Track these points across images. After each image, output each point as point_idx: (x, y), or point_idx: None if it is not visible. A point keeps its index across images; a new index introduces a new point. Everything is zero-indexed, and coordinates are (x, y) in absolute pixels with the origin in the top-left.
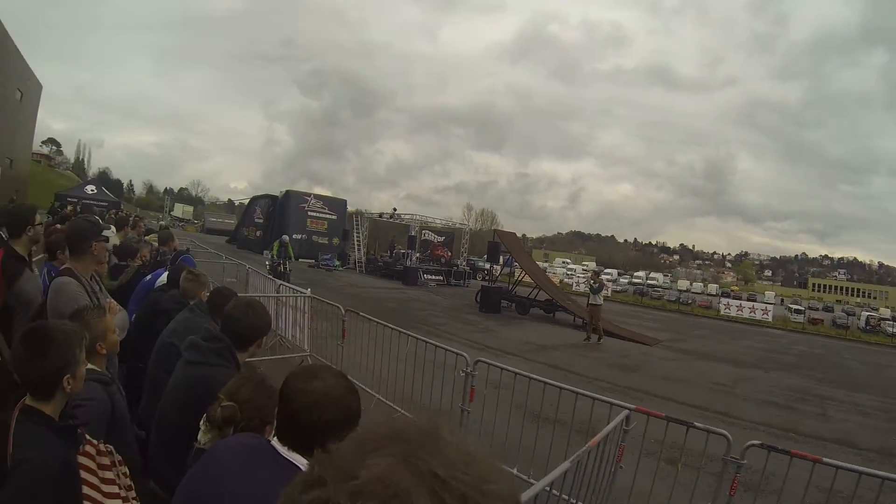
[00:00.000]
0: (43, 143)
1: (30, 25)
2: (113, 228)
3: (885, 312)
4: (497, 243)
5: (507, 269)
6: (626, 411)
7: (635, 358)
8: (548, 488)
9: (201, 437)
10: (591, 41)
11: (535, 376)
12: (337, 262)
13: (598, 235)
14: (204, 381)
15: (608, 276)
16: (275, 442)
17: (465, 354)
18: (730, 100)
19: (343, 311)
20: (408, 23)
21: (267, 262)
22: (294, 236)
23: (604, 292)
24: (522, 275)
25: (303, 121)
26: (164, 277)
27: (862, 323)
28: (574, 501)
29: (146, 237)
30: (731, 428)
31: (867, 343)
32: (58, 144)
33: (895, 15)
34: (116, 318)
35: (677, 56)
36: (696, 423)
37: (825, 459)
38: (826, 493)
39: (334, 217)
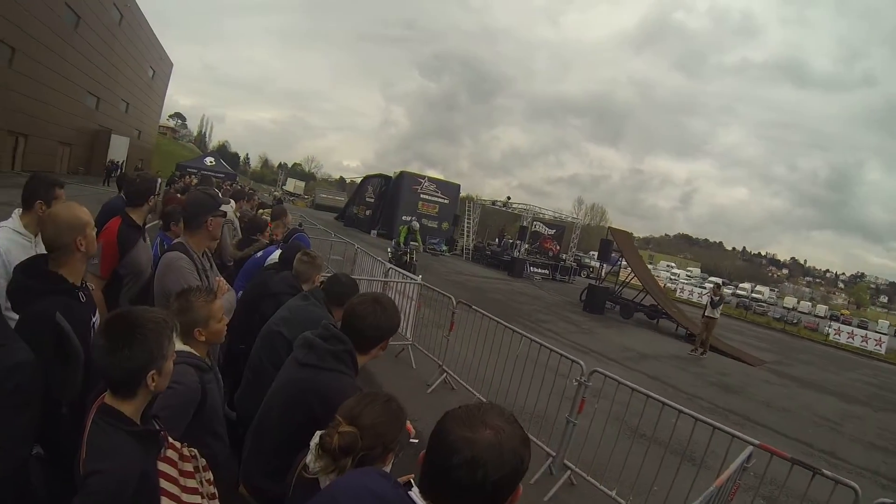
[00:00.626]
0: (170, 116)
1: (165, 8)
2: (232, 202)
3: None
4: (609, 241)
5: (613, 269)
6: (751, 448)
7: (737, 378)
8: None
9: (311, 462)
10: (719, 30)
11: (654, 395)
12: (444, 247)
13: (706, 241)
14: (317, 389)
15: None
16: (414, 494)
17: (580, 363)
18: (865, 101)
19: (454, 303)
20: (531, 7)
21: (390, 249)
22: (404, 218)
23: (721, 307)
24: (630, 276)
25: (420, 103)
26: (275, 255)
27: None
28: None
29: (259, 211)
30: (836, 471)
31: None
32: (183, 118)
33: None
34: (224, 300)
35: (810, 50)
36: (824, 471)
37: None
38: None
39: (446, 201)
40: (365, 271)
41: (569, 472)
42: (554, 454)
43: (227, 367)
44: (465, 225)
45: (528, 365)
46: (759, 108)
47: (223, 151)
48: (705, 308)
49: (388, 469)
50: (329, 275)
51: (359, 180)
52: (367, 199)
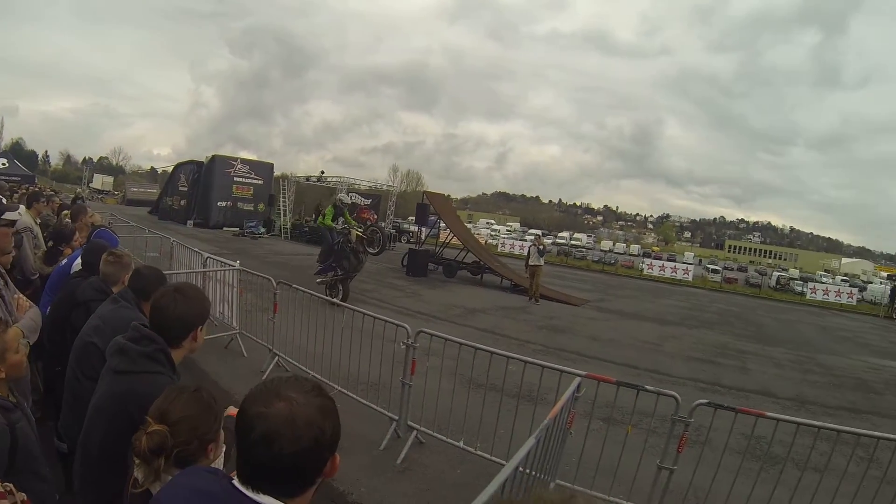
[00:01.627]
0: None
1: None
2: (21, 207)
3: (794, 273)
4: (426, 205)
5: (433, 232)
6: (579, 378)
7: (564, 319)
8: (522, 468)
9: (138, 474)
10: (531, 3)
11: (481, 346)
12: (262, 230)
13: (523, 196)
14: (135, 396)
15: (532, 237)
16: (237, 482)
17: (406, 326)
18: (664, 69)
19: (275, 284)
20: None
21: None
22: (219, 204)
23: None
24: (450, 237)
25: (231, 82)
26: (79, 261)
27: (773, 282)
28: (528, 471)
29: (62, 213)
30: (661, 385)
31: (777, 301)
32: None
33: None
34: (25, 320)
35: (616, 22)
36: (647, 387)
37: (768, 413)
38: (755, 440)
39: (260, 182)
40: (183, 264)
41: (414, 432)
42: (397, 417)
43: (48, 395)
44: (282, 204)
45: (356, 336)
46: (568, 73)
47: (18, 150)
48: (528, 258)
49: (221, 462)
50: None
51: (170, 169)
52: (181, 189)
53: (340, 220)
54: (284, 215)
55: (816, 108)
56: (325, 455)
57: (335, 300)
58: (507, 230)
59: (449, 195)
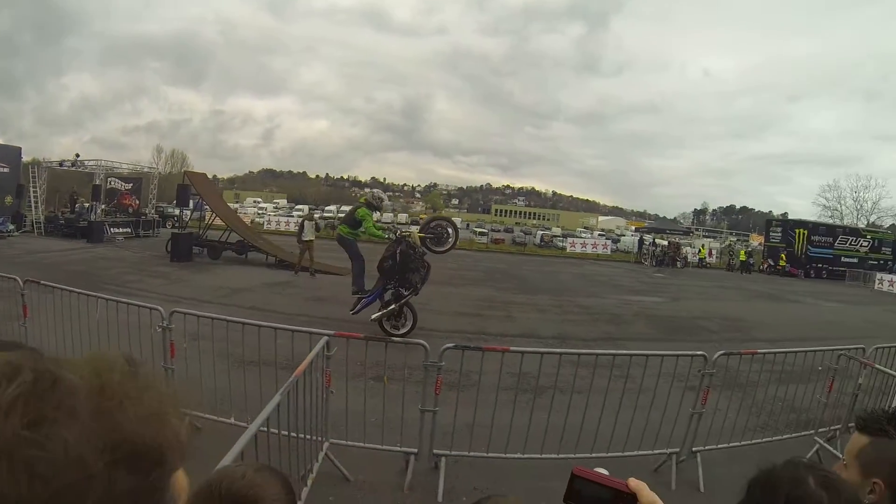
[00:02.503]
0: None
1: None
2: None
3: (557, 231)
4: (187, 186)
5: (197, 214)
6: (326, 337)
7: (329, 289)
8: (264, 428)
9: None
10: None
11: (232, 318)
12: (11, 226)
13: (290, 172)
14: None
15: (299, 213)
16: None
17: (158, 308)
18: (437, 47)
19: (21, 283)
20: None
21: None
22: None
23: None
24: (213, 218)
25: None
26: None
27: (537, 240)
28: (295, 434)
29: None
30: (429, 339)
31: (542, 256)
32: None
33: None
34: None
35: (395, 1)
36: (393, 338)
37: (512, 348)
38: (522, 377)
39: (6, 170)
40: None
41: (187, 417)
42: None
43: None
44: (32, 194)
45: (115, 327)
46: (341, 48)
47: None
48: (300, 233)
49: None
50: None
51: None
52: None
53: (374, 217)
54: (36, 208)
55: (577, 90)
56: None
57: (399, 333)
58: (275, 207)
59: (214, 175)
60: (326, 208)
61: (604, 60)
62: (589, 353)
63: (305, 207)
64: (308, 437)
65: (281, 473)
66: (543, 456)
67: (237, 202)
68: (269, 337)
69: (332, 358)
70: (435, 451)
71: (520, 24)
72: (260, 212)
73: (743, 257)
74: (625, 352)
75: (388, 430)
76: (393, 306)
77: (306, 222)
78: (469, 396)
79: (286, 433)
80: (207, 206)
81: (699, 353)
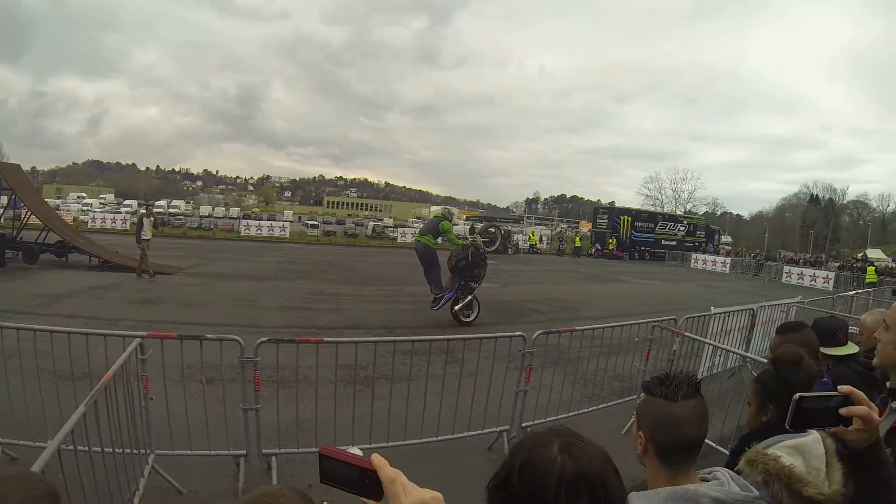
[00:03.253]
0: None
1: None
2: None
3: (389, 222)
4: None
5: (10, 213)
6: (139, 339)
7: (157, 290)
8: (69, 446)
9: None
10: None
11: (39, 328)
12: None
13: (119, 164)
14: None
15: (128, 209)
16: None
17: None
18: (278, 33)
19: None
20: None
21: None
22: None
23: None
24: (29, 216)
25: None
26: None
27: (369, 231)
28: (112, 450)
29: None
30: (257, 336)
31: (374, 247)
32: None
33: None
34: None
35: None
36: (207, 336)
37: (325, 339)
38: (351, 369)
39: None
40: None
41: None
42: None
43: None
44: None
45: None
46: (179, 28)
47: None
48: (140, 231)
49: None
50: None
51: None
52: None
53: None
54: None
55: (415, 82)
56: None
57: (470, 320)
58: (101, 203)
59: (33, 167)
60: (157, 203)
61: (444, 54)
62: (405, 340)
63: (134, 203)
64: (131, 451)
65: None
66: (374, 445)
67: (59, 198)
68: (81, 346)
69: (147, 362)
70: (264, 450)
71: (363, 13)
72: (84, 208)
73: (578, 243)
74: (442, 337)
75: (215, 433)
76: (470, 297)
77: (145, 219)
78: (298, 392)
79: (99, 450)
80: (22, 203)
81: (517, 333)
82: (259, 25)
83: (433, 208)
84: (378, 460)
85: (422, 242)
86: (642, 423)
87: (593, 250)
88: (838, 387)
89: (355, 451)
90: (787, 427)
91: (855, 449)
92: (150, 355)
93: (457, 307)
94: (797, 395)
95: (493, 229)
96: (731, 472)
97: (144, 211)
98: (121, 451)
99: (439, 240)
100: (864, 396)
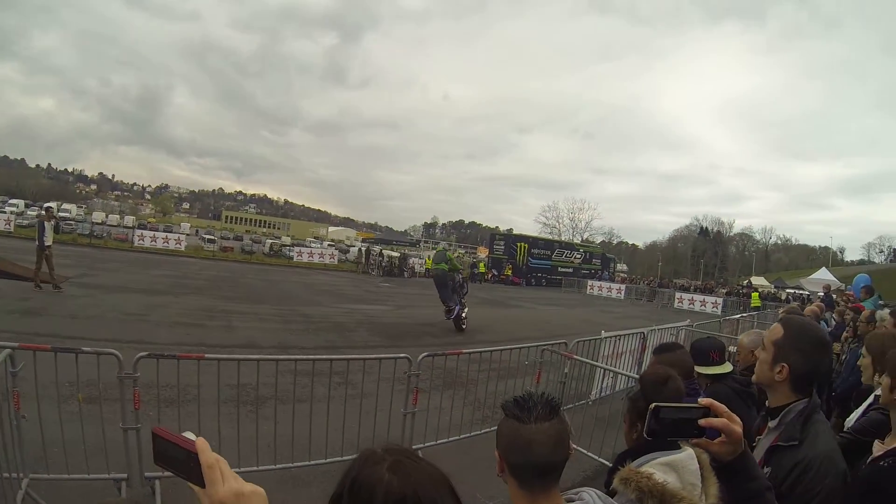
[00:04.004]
0: None
1: None
2: None
3: (287, 240)
4: None
5: None
6: (8, 350)
7: (40, 299)
8: None
9: None
10: None
11: None
12: None
13: (6, 158)
14: None
15: (14, 209)
16: None
17: None
18: (187, 34)
19: None
20: None
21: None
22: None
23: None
24: None
25: None
26: None
27: (266, 249)
28: None
29: None
30: (133, 352)
31: (270, 265)
32: None
33: (359, 9)
34: None
35: None
36: (84, 348)
37: (207, 355)
38: (241, 388)
39: None
40: None
41: None
42: None
43: None
44: None
45: None
46: (83, 13)
47: None
48: (42, 236)
49: None
50: None
51: None
52: None
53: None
54: None
55: (319, 98)
56: None
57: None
58: None
59: None
60: (45, 205)
61: (351, 72)
62: (289, 359)
63: (21, 202)
64: (0, 475)
65: None
66: (261, 468)
67: None
68: None
69: (18, 376)
70: (147, 474)
71: (274, 24)
72: None
73: (483, 269)
74: (326, 357)
75: (94, 456)
76: (466, 308)
77: (46, 223)
78: (181, 411)
79: None
80: None
81: (402, 355)
82: (167, 23)
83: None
84: (201, 444)
85: (439, 269)
86: (498, 442)
87: (490, 276)
88: (699, 399)
89: (190, 435)
90: (645, 436)
91: (722, 461)
92: (23, 370)
93: (462, 315)
94: (653, 404)
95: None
96: (598, 492)
97: (45, 213)
98: None
99: (449, 267)
100: (726, 409)
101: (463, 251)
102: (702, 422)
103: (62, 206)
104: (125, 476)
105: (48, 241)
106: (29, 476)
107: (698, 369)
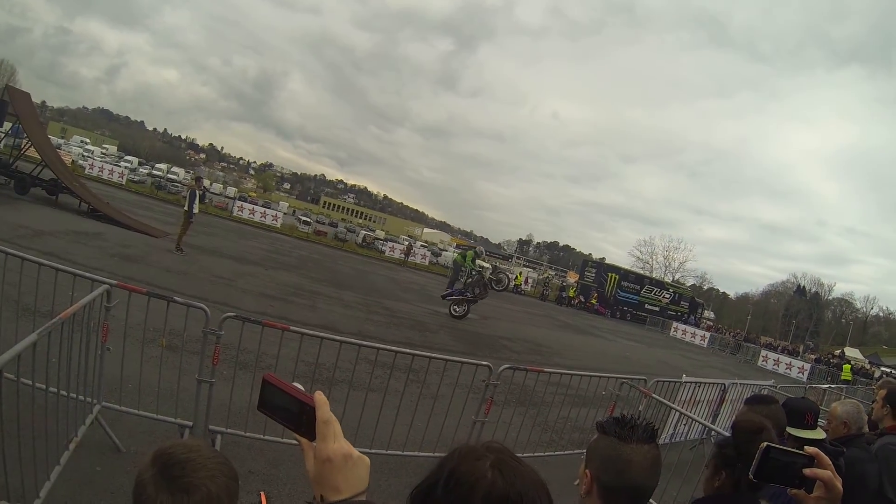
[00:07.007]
0: None
1: None
2: None
3: (381, 234)
4: (5, 103)
5: (14, 139)
6: (106, 286)
7: (139, 248)
8: (12, 375)
9: None
10: None
11: (15, 252)
12: None
13: (128, 118)
14: None
15: (128, 164)
16: None
17: None
18: (306, 26)
19: None
20: None
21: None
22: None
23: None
24: (28, 146)
25: None
26: None
27: (359, 239)
28: (56, 390)
29: None
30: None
31: (360, 255)
32: None
33: (477, 20)
34: None
35: None
36: (176, 298)
37: (292, 328)
38: (317, 366)
39: None
40: None
41: None
42: None
43: None
44: None
45: None
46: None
47: None
48: (191, 204)
49: None
50: None
51: None
52: None
53: (477, 261)
54: None
55: (430, 102)
56: None
57: (457, 316)
58: (102, 153)
59: (44, 101)
60: (157, 165)
61: (462, 81)
62: (370, 346)
63: (135, 160)
64: (76, 396)
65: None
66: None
67: (62, 138)
68: (49, 283)
69: (111, 312)
70: (211, 427)
71: (393, 25)
72: (85, 154)
73: (572, 294)
74: (407, 350)
75: (165, 399)
76: (466, 305)
77: (197, 191)
78: (255, 377)
79: (43, 387)
80: (25, 133)
81: (484, 363)
82: (290, 14)
83: (426, 230)
84: (320, 398)
85: (457, 259)
86: (590, 460)
87: (577, 301)
88: (805, 447)
89: (299, 386)
90: (751, 476)
91: None
92: (116, 307)
93: (455, 306)
94: (765, 443)
95: (502, 274)
96: None
97: (195, 182)
98: (66, 394)
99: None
100: (830, 463)
101: (490, 260)
102: (807, 471)
103: (171, 169)
104: (190, 424)
105: (196, 209)
106: (102, 403)
107: (790, 430)
